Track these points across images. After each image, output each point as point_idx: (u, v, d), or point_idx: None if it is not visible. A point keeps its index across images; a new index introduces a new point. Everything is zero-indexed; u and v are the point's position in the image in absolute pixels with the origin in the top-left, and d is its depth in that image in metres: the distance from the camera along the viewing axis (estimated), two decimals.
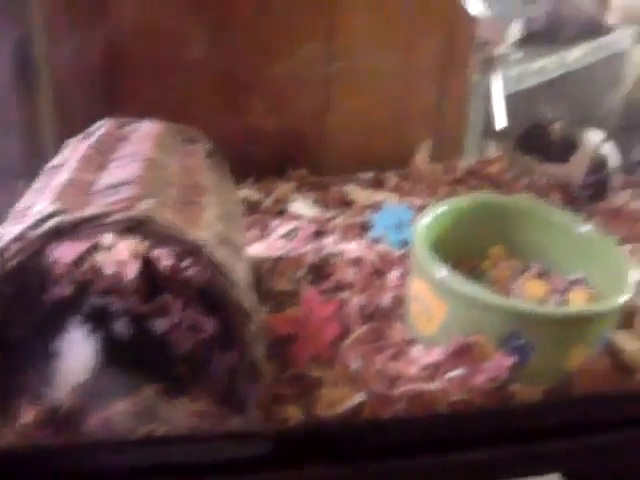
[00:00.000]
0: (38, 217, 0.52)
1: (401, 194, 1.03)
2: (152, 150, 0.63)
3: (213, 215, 0.61)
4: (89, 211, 0.52)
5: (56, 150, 0.82)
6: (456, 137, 1.18)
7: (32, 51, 0.98)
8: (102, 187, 0.57)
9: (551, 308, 0.76)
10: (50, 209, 0.52)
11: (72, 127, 0.94)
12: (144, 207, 0.52)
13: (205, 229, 0.56)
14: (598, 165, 1.03)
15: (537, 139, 1.04)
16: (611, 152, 1.04)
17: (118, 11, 0.98)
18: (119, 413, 0.60)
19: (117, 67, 1.02)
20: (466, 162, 1.15)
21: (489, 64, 0.98)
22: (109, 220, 0.52)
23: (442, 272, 0.69)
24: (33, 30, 0.97)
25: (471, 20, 0.94)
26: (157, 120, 0.75)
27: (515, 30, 0.91)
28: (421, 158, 1.12)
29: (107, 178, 0.58)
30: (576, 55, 1.52)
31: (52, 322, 0.60)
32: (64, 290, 0.70)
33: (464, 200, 0.85)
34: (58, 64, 0.98)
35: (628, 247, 0.94)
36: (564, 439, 0.68)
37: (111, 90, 1.02)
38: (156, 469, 0.61)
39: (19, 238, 0.51)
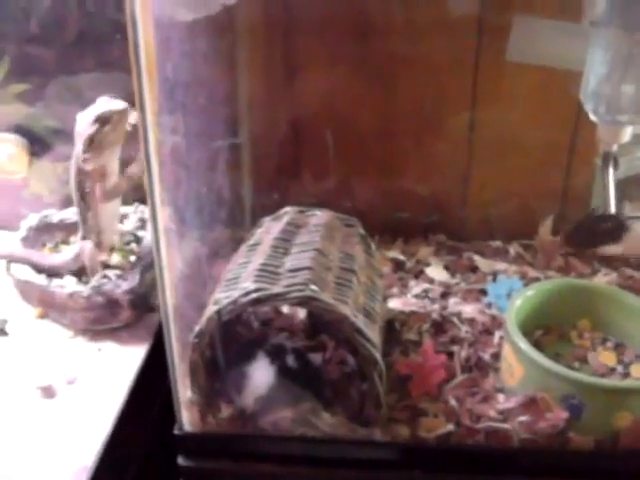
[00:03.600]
0: (245, 291, 0.82)
1: (520, 264, 1.23)
2: (320, 242, 0.91)
3: (359, 291, 0.89)
4: (277, 289, 0.82)
5: (253, 220, 1.11)
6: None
7: (237, 128, 1.18)
8: (286, 270, 0.86)
9: (597, 379, 0.93)
10: (253, 287, 0.82)
11: (264, 197, 1.22)
12: (311, 289, 0.81)
13: (350, 304, 0.84)
14: None
15: (586, 233, 1.18)
16: None
17: (300, 85, 1.19)
18: (284, 418, 0.87)
19: (299, 138, 1.25)
20: None
21: (607, 158, 1.17)
22: (289, 296, 0.81)
23: (523, 344, 0.91)
24: (239, 108, 1.19)
25: None
26: (327, 209, 1.03)
27: (629, 131, 1.10)
28: (544, 231, 1.29)
29: (289, 263, 0.87)
30: None
31: (246, 353, 0.89)
32: (252, 324, 1.01)
33: (548, 284, 1.07)
34: (255, 140, 1.21)
35: None
36: None
37: (293, 159, 1.26)
38: (305, 459, 0.89)
39: (233, 302, 0.82)
